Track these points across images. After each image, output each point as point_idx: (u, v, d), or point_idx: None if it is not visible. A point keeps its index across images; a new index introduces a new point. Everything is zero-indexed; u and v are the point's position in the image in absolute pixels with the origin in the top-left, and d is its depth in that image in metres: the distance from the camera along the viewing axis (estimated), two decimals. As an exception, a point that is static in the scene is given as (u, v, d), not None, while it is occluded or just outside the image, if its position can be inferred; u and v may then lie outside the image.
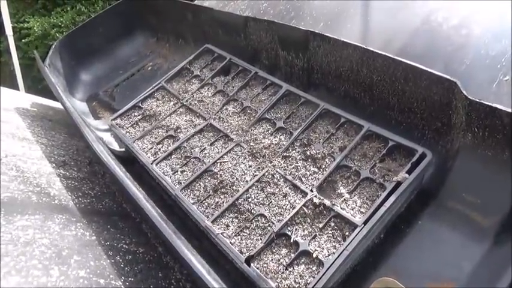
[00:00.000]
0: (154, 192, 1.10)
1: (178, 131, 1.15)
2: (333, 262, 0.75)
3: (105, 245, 0.78)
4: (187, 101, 1.22)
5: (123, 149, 1.23)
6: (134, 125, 1.22)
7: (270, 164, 0.96)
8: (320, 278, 0.74)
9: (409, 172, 0.82)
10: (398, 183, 0.81)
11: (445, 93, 0.83)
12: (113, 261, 0.74)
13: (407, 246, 0.83)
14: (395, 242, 0.84)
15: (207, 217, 0.91)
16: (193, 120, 1.16)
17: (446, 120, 0.88)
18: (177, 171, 1.04)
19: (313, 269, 0.77)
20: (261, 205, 0.90)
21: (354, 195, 0.85)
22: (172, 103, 1.25)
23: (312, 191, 0.88)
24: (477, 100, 0.75)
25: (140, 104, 1.27)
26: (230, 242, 0.85)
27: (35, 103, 1.71)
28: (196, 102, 1.21)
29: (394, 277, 0.80)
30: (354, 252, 0.76)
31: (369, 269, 0.82)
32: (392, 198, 0.79)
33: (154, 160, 1.08)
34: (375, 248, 0.84)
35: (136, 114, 1.26)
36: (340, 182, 0.88)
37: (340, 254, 0.76)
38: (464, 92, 0.78)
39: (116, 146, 1.31)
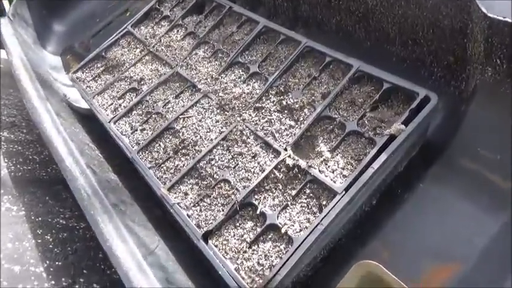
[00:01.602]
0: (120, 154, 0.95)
1: (142, 82, 0.98)
2: (304, 239, 0.59)
3: (35, 221, 0.65)
4: (153, 47, 1.04)
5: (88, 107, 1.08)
6: (96, 78, 1.06)
7: (239, 118, 0.79)
8: (288, 260, 0.59)
9: (406, 122, 0.63)
10: (392, 137, 0.62)
11: (457, 14, 0.62)
12: (39, 241, 0.61)
13: (405, 216, 0.65)
14: (390, 210, 0.67)
15: (164, 183, 0.76)
16: (159, 69, 0.99)
17: (459, 52, 0.67)
18: (136, 130, 0.89)
19: (281, 247, 0.62)
20: (225, 168, 0.74)
21: (337, 154, 0.67)
22: (138, 50, 1.07)
23: (286, 149, 0.70)
24: (500, 18, 0.53)
25: (104, 54, 1.10)
26: (187, 214, 0.71)
27: None
28: (163, 47, 1.03)
29: (386, 254, 0.64)
30: (332, 227, 0.60)
31: (356, 243, 0.66)
32: (382, 157, 0.61)
33: (113, 118, 0.93)
34: (365, 217, 0.68)
35: (99, 65, 1.10)
36: (321, 138, 0.70)
37: (314, 229, 0.60)
38: (483, 8, 0.56)
39: (83, 104, 1.16)
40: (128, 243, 0.57)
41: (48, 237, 0.64)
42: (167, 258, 0.64)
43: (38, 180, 0.77)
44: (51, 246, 0.62)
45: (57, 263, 0.60)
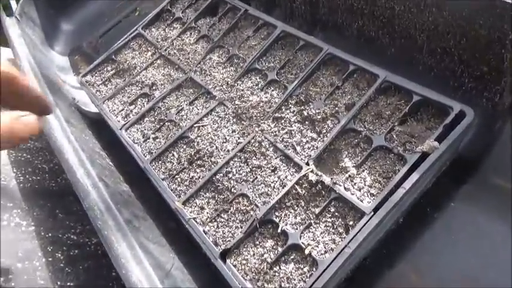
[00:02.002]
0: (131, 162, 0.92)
1: (154, 87, 0.95)
2: (330, 263, 0.56)
3: (45, 237, 0.62)
4: (165, 50, 1.01)
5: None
6: (106, 82, 1.03)
7: (257, 129, 0.75)
8: (313, 284, 0.55)
9: (440, 139, 0.59)
10: (425, 155, 0.59)
11: (496, 23, 0.58)
12: (50, 259, 0.58)
13: (434, 237, 0.62)
14: (419, 230, 0.63)
15: (179, 196, 0.73)
16: (172, 74, 0.95)
17: (495, 63, 0.63)
18: (148, 138, 0.85)
19: (305, 269, 0.58)
20: (243, 182, 0.70)
21: (363, 170, 0.64)
22: (149, 53, 1.04)
23: (308, 164, 0.67)
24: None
25: (113, 57, 1.07)
26: (203, 230, 0.67)
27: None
28: (176, 51, 0.99)
29: (414, 277, 0.60)
30: (359, 250, 0.57)
31: (382, 265, 0.63)
32: (414, 177, 0.57)
33: (124, 125, 0.89)
34: (391, 236, 0.64)
35: (109, 68, 1.06)
36: (346, 152, 0.67)
37: (340, 252, 0.56)
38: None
39: (93, 107, 1.13)
40: (143, 265, 0.54)
41: (59, 254, 0.61)
42: (183, 278, 0.61)
43: (47, 191, 0.74)
44: (62, 264, 0.59)
45: (68, 283, 0.57)
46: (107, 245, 0.54)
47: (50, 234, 0.64)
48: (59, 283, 0.55)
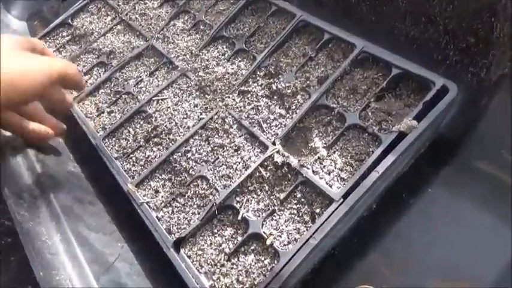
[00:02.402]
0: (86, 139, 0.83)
1: (112, 56, 0.85)
2: (293, 255, 0.50)
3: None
4: (126, 14, 0.91)
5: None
6: (60, 49, 0.93)
7: (221, 103, 0.68)
8: (272, 279, 0.49)
9: (419, 117, 0.52)
10: (402, 135, 0.52)
11: None
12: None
13: (410, 224, 0.56)
14: (393, 217, 0.57)
15: (132, 178, 0.66)
16: (132, 41, 0.86)
17: (483, 33, 0.56)
18: (103, 112, 0.77)
19: (266, 262, 0.52)
20: (203, 163, 0.63)
21: (334, 152, 0.57)
22: (109, 18, 0.94)
23: (274, 143, 0.60)
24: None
25: (70, 21, 0.97)
26: (156, 216, 0.60)
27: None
28: (137, 16, 0.90)
29: (388, 272, 0.55)
30: (326, 241, 0.51)
31: (352, 254, 0.57)
32: (389, 159, 0.51)
33: (77, 96, 0.80)
34: (363, 224, 0.58)
35: (64, 34, 0.96)
36: (316, 131, 0.60)
37: (304, 243, 0.50)
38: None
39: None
40: (77, 261, 0.46)
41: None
42: (130, 271, 0.55)
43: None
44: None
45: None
46: (28, 239, 0.47)
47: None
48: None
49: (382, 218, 0.58)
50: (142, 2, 0.92)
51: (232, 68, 0.71)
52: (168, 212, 0.61)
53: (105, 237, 0.57)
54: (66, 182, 0.62)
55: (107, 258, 0.52)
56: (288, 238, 0.53)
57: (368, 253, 0.56)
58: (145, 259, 0.59)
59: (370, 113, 0.57)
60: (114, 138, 0.72)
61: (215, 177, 0.61)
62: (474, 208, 0.54)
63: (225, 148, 0.63)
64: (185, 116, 0.69)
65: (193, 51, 0.77)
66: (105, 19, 0.94)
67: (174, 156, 0.65)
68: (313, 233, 0.50)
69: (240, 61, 0.72)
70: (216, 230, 0.57)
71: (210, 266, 0.54)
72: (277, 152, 0.59)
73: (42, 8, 1.37)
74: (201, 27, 0.80)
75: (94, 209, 0.61)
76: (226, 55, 0.74)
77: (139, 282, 0.54)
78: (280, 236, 0.53)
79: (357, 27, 0.69)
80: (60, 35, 0.96)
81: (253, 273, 0.52)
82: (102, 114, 0.76)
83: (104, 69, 0.84)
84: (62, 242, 0.48)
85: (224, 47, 0.75)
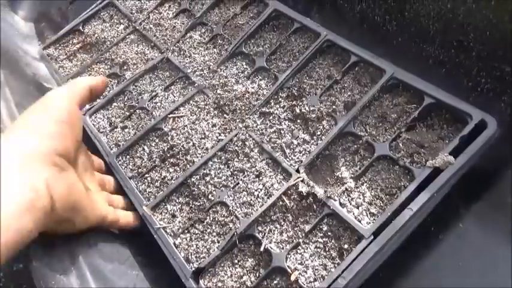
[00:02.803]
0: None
1: (125, 67, 0.83)
2: (320, 295, 0.47)
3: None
4: (140, 24, 0.88)
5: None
6: (71, 57, 0.90)
7: (241, 125, 0.65)
8: (298, 319, 0.47)
9: (455, 152, 0.50)
10: (437, 170, 0.50)
11: None
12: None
13: (439, 261, 0.54)
14: (421, 252, 0.55)
15: (148, 200, 0.63)
16: (146, 53, 0.83)
17: (521, 63, 0.54)
18: (116, 127, 0.74)
19: (290, 299, 0.50)
20: (222, 188, 0.61)
21: (362, 184, 0.55)
22: (122, 27, 0.91)
23: (298, 171, 0.58)
24: None
25: (81, 28, 0.94)
26: (174, 243, 0.58)
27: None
28: (151, 26, 0.87)
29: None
30: (354, 281, 0.48)
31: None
32: (423, 197, 0.49)
33: (89, 109, 0.78)
34: (391, 258, 0.55)
35: (75, 41, 0.93)
36: (343, 160, 0.57)
37: (333, 282, 0.48)
38: None
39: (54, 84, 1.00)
40: None
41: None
42: None
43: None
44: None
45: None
46: (42, 274, 0.44)
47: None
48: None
49: (410, 252, 0.55)
50: (156, 11, 0.89)
51: (253, 87, 0.69)
52: (186, 239, 0.58)
53: (119, 266, 0.55)
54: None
55: None
56: (314, 275, 0.50)
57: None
58: (163, 285, 0.57)
59: (401, 144, 0.55)
60: (128, 156, 0.69)
61: (235, 204, 0.59)
62: (506, 246, 0.51)
63: (245, 173, 0.61)
64: (203, 136, 0.67)
65: (210, 67, 0.74)
66: (118, 27, 0.91)
67: (192, 179, 0.63)
68: (342, 272, 0.48)
69: (260, 80, 0.69)
70: (236, 261, 0.55)
71: (230, 300, 0.52)
72: (302, 180, 0.56)
73: (49, 9, 1.34)
74: (219, 41, 0.78)
75: (107, 236, 0.58)
76: (245, 73, 0.71)
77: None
78: (306, 272, 0.51)
79: (382, 47, 0.67)
80: (70, 42, 0.93)
81: (278, 311, 0.50)
82: (115, 130, 0.74)
83: (116, 81, 0.82)
84: (77, 279, 0.45)
85: (244, 63, 0.73)
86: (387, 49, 0.67)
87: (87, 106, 0.78)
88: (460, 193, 0.56)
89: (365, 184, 0.54)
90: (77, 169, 0.55)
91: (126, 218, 0.61)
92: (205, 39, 0.80)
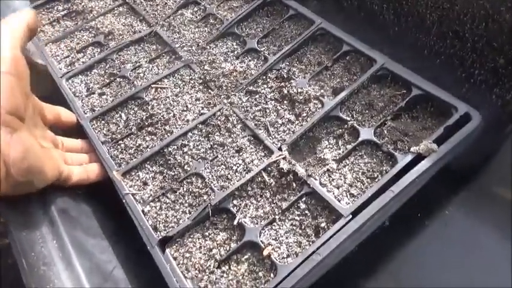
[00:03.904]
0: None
1: (110, 37, 0.80)
2: (293, 270, 0.45)
3: None
4: (131, -3, 0.86)
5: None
6: (54, 23, 0.86)
7: (226, 101, 0.64)
8: (268, 293, 0.45)
9: (439, 141, 0.50)
10: (420, 157, 0.50)
11: None
12: None
13: (424, 247, 0.53)
14: (405, 237, 0.54)
15: (119, 166, 0.60)
16: (134, 25, 0.81)
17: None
18: (93, 93, 0.71)
19: (260, 274, 0.48)
20: (200, 160, 0.58)
21: (344, 166, 0.54)
22: (111, -2, 0.89)
23: (280, 149, 0.56)
24: None
25: (68, -6, 0.90)
26: (142, 210, 0.55)
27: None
28: (142, 0, 0.85)
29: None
30: (330, 258, 0.47)
31: (358, 273, 0.53)
32: (405, 181, 0.48)
33: (66, 73, 0.74)
34: (372, 241, 0.53)
35: (60, 8, 0.89)
36: (326, 142, 0.57)
37: (307, 258, 0.46)
38: None
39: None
40: (74, 272, 0.41)
41: None
42: (127, 277, 0.49)
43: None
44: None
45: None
46: (23, 247, 0.41)
47: None
48: None
49: (394, 236, 0.54)
50: (150, -13, 0.87)
51: (241, 67, 0.67)
52: (155, 208, 0.55)
53: (101, 242, 0.52)
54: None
55: (105, 266, 0.47)
56: (288, 251, 0.48)
57: (376, 273, 0.52)
58: (142, 261, 0.53)
59: (385, 131, 0.54)
60: (103, 121, 0.66)
61: (212, 176, 0.56)
62: (492, 235, 0.51)
63: (225, 147, 0.59)
64: (185, 109, 0.65)
65: (200, 44, 0.73)
66: (107, -2, 0.89)
67: (169, 149, 0.60)
68: (318, 248, 0.46)
69: (250, 60, 0.68)
70: (207, 233, 0.52)
71: (197, 271, 0.49)
72: (284, 158, 0.55)
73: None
74: (211, 20, 0.77)
75: (89, 209, 0.55)
76: (235, 52, 0.70)
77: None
78: (279, 248, 0.49)
79: (379, 36, 0.67)
80: (55, 8, 0.89)
81: (246, 285, 0.47)
82: (92, 95, 0.70)
83: (99, 50, 0.79)
84: (58, 250, 0.42)
85: (234, 44, 0.72)
86: (383, 37, 0.67)
87: (64, 70, 0.75)
88: (448, 182, 0.56)
89: (347, 167, 0.53)
90: (29, 125, 0.49)
91: (81, 174, 0.57)
92: (197, 17, 0.78)
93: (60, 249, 0.47)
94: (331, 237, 0.46)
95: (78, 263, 0.45)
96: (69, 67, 0.76)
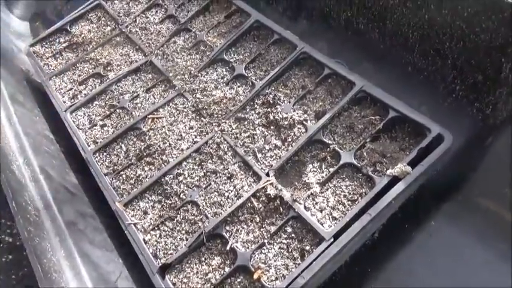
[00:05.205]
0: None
1: (109, 68, 0.85)
2: (280, 293, 0.49)
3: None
4: (127, 27, 0.90)
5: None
6: (57, 55, 0.92)
7: (217, 128, 0.68)
8: (258, 315, 0.49)
9: (413, 163, 0.53)
10: (395, 179, 0.53)
11: (499, 27, 0.53)
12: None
13: (412, 257, 0.56)
14: (394, 248, 0.57)
15: (121, 196, 0.65)
16: (130, 55, 0.86)
17: (492, 72, 0.58)
18: (95, 125, 0.76)
19: (252, 296, 0.52)
20: (194, 188, 0.63)
21: (327, 189, 0.57)
22: (108, 28, 0.93)
23: (268, 174, 0.60)
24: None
25: (68, 27, 0.95)
26: (143, 239, 0.60)
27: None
28: (138, 29, 0.89)
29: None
30: (314, 280, 0.50)
31: (351, 283, 0.56)
32: (382, 203, 0.51)
33: (70, 106, 0.79)
34: (364, 252, 0.57)
35: (62, 40, 0.95)
36: (311, 166, 0.60)
37: (292, 281, 0.50)
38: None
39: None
40: (81, 280, 0.46)
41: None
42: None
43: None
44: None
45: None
46: (36, 255, 0.46)
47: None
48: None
49: (384, 247, 0.57)
50: (143, 16, 0.91)
51: (231, 93, 0.71)
52: (155, 236, 0.60)
53: (107, 253, 0.57)
54: (68, 195, 0.61)
55: (110, 276, 0.52)
56: (276, 274, 0.52)
57: (368, 283, 0.55)
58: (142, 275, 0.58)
59: (365, 153, 0.57)
60: (105, 153, 0.71)
61: (206, 203, 0.61)
62: (474, 243, 0.53)
63: (218, 174, 0.63)
64: (180, 138, 0.69)
65: (192, 72, 0.77)
66: (105, 29, 0.93)
67: (166, 178, 0.64)
68: (302, 272, 0.50)
69: (238, 86, 0.72)
70: (203, 258, 0.57)
71: (194, 296, 0.54)
72: (271, 184, 0.59)
73: (45, 9, 1.35)
74: (202, 47, 0.80)
75: (95, 223, 0.60)
76: (225, 79, 0.74)
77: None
78: (268, 271, 0.53)
79: (365, 54, 0.71)
80: (57, 41, 0.95)
81: (239, 307, 0.51)
82: (94, 127, 0.75)
83: (99, 81, 0.83)
84: (65, 259, 0.47)
85: (224, 70, 0.75)
86: (368, 55, 0.70)
87: (69, 103, 0.80)
88: (433, 193, 0.58)
89: (330, 189, 0.57)
90: None
91: None
92: (188, 45, 0.82)
93: (67, 258, 0.50)
94: (313, 261, 0.50)
95: (85, 272, 0.50)
96: (72, 100, 0.81)
